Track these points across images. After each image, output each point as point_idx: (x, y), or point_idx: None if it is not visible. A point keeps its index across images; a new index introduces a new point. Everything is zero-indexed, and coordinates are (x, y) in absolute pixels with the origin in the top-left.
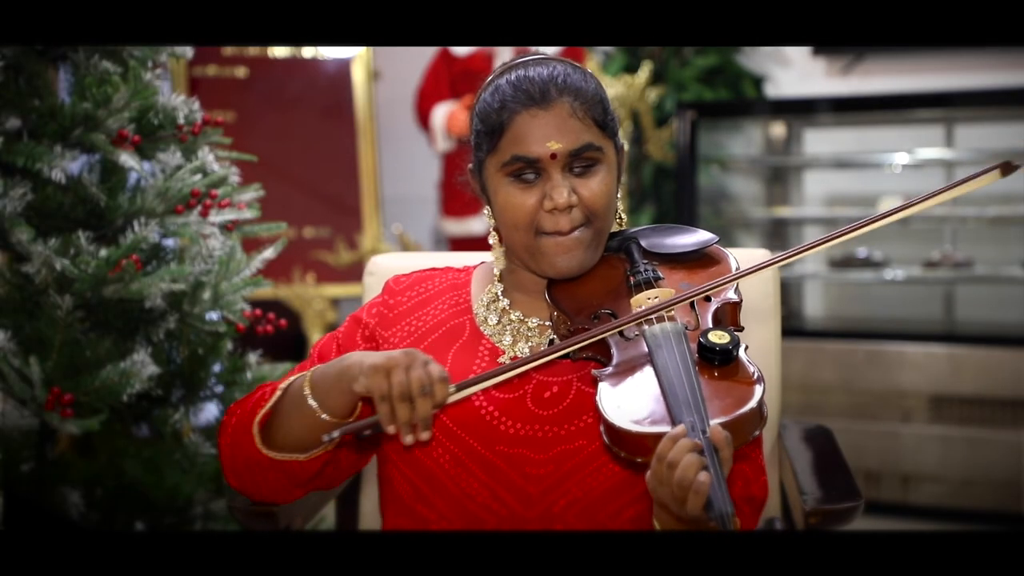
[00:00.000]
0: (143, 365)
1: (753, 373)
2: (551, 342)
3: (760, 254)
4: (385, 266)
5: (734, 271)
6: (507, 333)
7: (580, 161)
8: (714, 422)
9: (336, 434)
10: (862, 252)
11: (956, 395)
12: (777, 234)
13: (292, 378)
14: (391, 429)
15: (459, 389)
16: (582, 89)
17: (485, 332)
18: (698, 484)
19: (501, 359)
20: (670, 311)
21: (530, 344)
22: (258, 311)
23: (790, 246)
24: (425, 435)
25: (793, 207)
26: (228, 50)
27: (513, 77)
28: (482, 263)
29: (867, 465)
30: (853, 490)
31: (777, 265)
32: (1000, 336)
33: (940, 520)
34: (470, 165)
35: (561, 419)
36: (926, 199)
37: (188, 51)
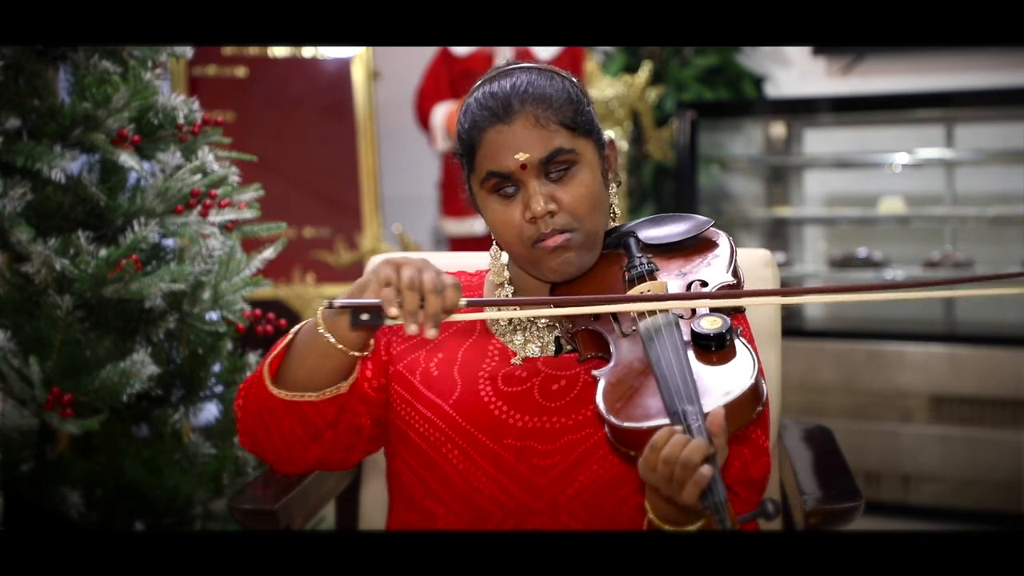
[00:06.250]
0: (143, 365)
1: (748, 355)
2: (557, 341)
3: (760, 254)
4: None
5: (729, 252)
6: (518, 333)
7: (554, 166)
8: (709, 408)
9: (337, 302)
10: (862, 252)
11: (956, 395)
12: (777, 234)
13: (303, 322)
14: (393, 311)
15: (470, 304)
16: (546, 95)
17: (495, 332)
18: (699, 476)
19: (513, 360)
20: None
21: (539, 343)
22: (258, 311)
23: (790, 246)
24: (431, 332)
25: (793, 207)
26: (228, 50)
27: (479, 94)
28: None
29: (867, 465)
30: (853, 490)
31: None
32: (1000, 336)
33: (940, 520)
34: (466, 185)
35: (569, 409)
36: (972, 282)
37: (188, 51)
